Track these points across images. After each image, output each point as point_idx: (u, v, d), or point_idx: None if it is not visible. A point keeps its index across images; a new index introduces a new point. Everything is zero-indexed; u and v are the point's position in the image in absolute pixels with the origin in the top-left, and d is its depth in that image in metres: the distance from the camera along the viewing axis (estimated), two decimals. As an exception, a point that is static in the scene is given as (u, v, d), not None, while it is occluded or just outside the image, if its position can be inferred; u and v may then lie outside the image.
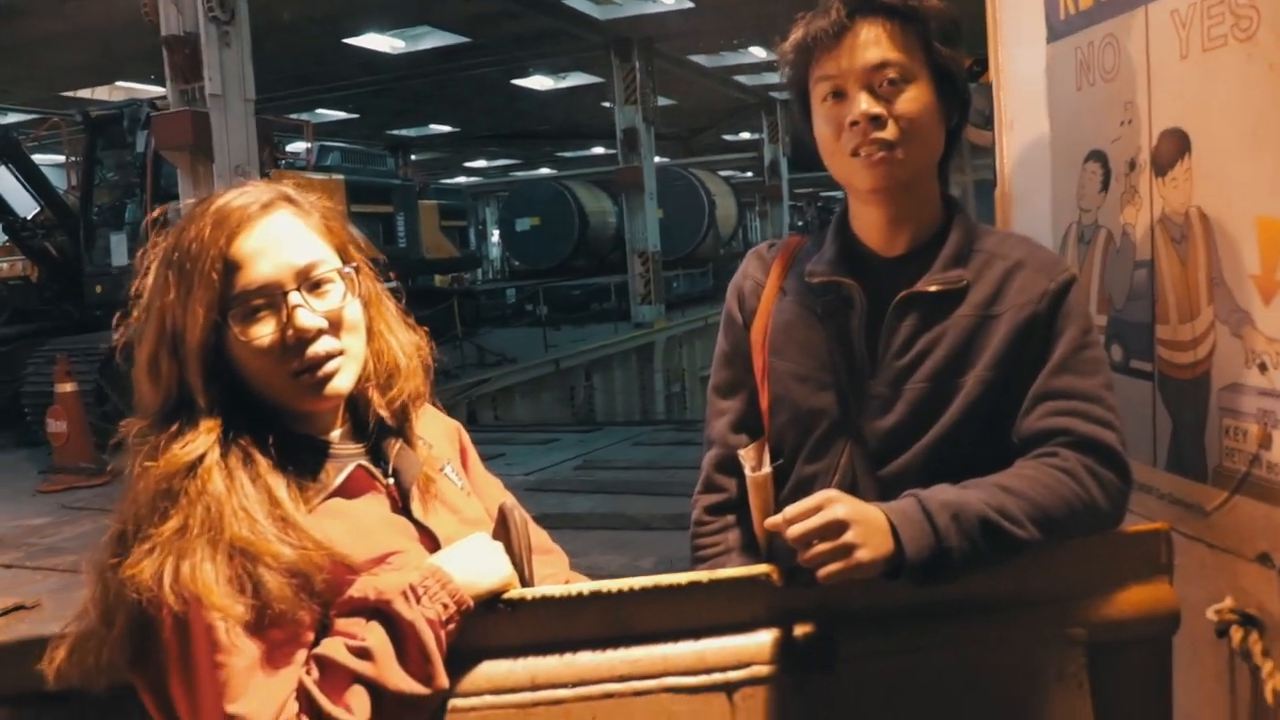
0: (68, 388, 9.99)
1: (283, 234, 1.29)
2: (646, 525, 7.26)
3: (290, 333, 1.26)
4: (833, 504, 1.31)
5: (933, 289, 1.54)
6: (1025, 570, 1.39)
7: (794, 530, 1.30)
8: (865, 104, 1.50)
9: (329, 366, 1.29)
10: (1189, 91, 1.68)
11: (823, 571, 1.29)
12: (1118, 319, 1.92)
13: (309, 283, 1.29)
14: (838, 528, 1.30)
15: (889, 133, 1.50)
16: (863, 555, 1.30)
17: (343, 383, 1.31)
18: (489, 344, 17.05)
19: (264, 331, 1.26)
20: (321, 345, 1.28)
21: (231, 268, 1.25)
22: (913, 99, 1.51)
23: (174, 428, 1.23)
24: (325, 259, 1.32)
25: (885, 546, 1.32)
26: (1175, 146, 1.72)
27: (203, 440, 1.22)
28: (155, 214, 1.46)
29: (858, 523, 1.31)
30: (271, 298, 1.27)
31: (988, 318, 1.53)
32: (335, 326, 1.30)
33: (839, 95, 1.53)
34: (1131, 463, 1.50)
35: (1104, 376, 1.52)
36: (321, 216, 1.36)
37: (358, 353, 1.34)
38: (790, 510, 1.32)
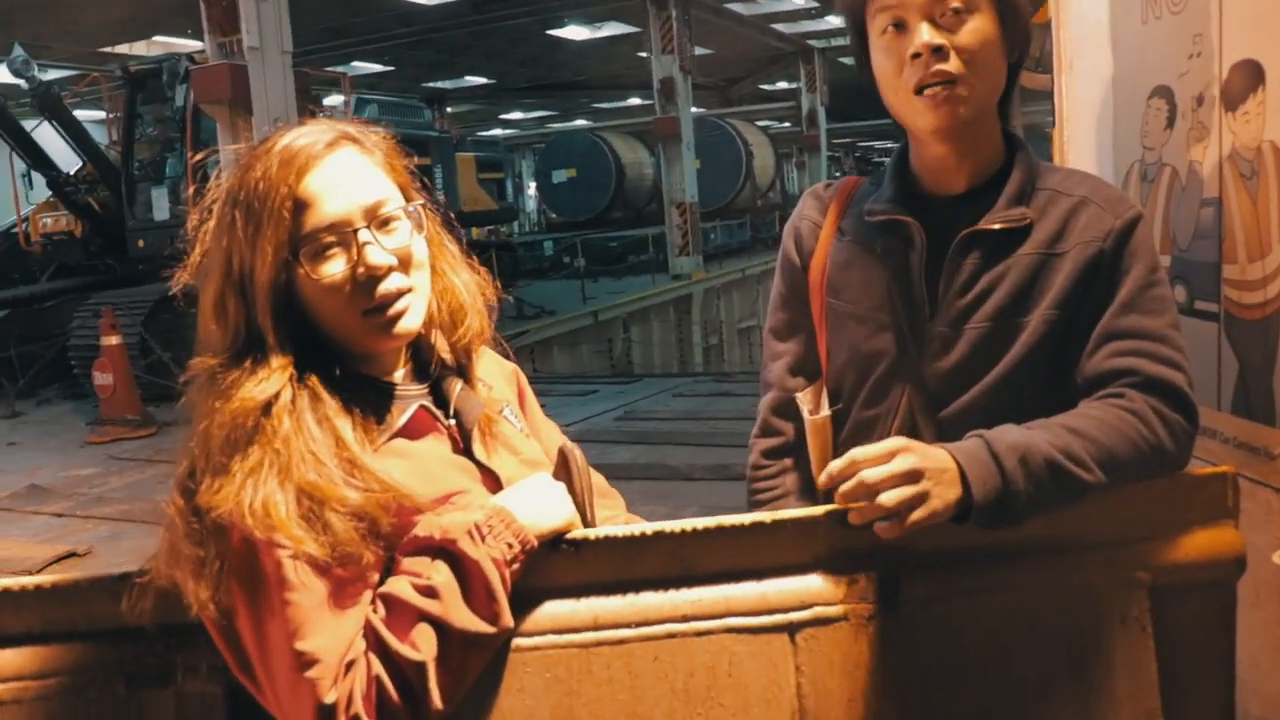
0: (113, 341, 10.11)
1: (350, 171, 1.28)
2: (688, 476, 7.28)
3: (361, 270, 1.26)
4: (905, 452, 1.29)
5: (995, 227, 1.52)
6: (1089, 513, 1.38)
7: (869, 475, 1.28)
8: (928, 34, 1.46)
9: (399, 305, 1.28)
10: (1264, 21, 1.63)
11: (896, 525, 1.28)
12: (1182, 259, 1.89)
13: (377, 220, 1.28)
14: (910, 476, 1.28)
15: (952, 65, 1.46)
16: (936, 504, 1.28)
17: (412, 321, 1.31)
18: (527, 296, 17.07)
19: (334, 269, 1.26)
20: (392, 283, 1.28)
21: (300, 206, 1.24)
22: (976, 30, 1.47)
23: (246, 365, 1.23)
24: (392, 196, 1.31)
25: (954, 492, 1.30)
26: (1248, 79, 1.67)
27: (276, 378, 1.22)
28: (196, 158, 1.45)
29: (930, 469, 1.29)
30: (341, 235, 1.26)
31: (1052, 255, 1.50)
32: (404, 264, 1.30)
33: (899, 26, 1.49)
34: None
35: (1171, 316, 1.49)
36: (385, 154, 1.35)
37: (425, 291, 1.34)
38: (860, 454, 1.30)
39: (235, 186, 1.27)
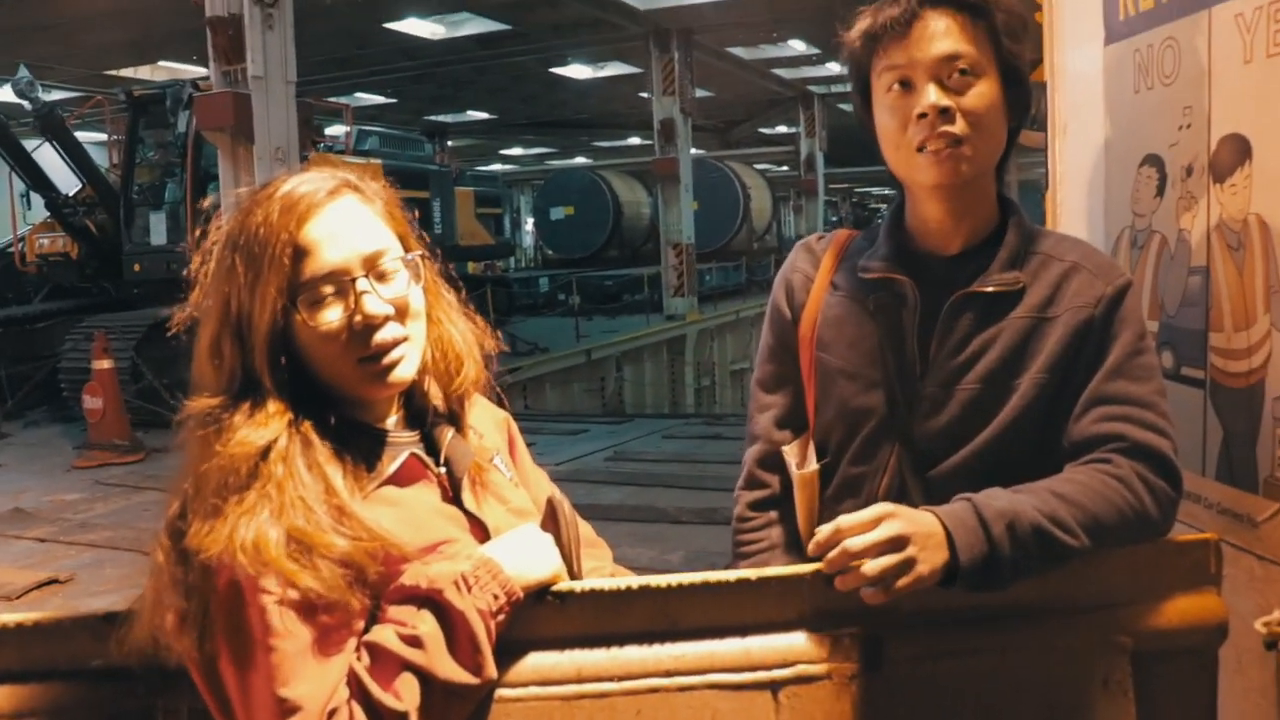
0: (105, 365, 10.10)
1: (349, 220, 1.30)
2: (676, 519, 7.28)
3: (358, 319, 1.27)
4: (891, 518, 1.30)
5: (989, 289, 1.53)
6: (1073, 577, 1.39)
7: (853, 545, 1.28)
8: (935, 96, 1.48)
9: (394, 354, 1.30)
10: (1251, 97, 1.66)
11: (881, 591, 1.28)
12: (1170, 325, 1.91)
13: (376, 270, 1.30)
14: (895, 544, 1.28)
15: (957, 127, 1.48)
16: (922, 569, 1.29)
17: (407, 370, 1.32)
18: (521, 332, 17.10)
19: (331, 317, 1.27)
20: (388, 332, 1.29)
21: (300, 253, 1.26)
22: (981, 94, 1.49)
23: (244, 409, 1.24)
24: (391, 246, 1.33)
25: (941, 556, 1.31)
26: (1236, 152, 1.70)
27: (274, 424, 1.22)
28: (205, 203, 1.47)
29: (916, 535, 1.29)
30: (339, 284, 1.27)
31: (1043, 320, 1.52)
32: (400, 313, 1.31)
33: (906, 86, 1.51)
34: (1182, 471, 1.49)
35: (1157, 383, 1.50)
36: (384, 204, 1.36)
37: (420, 340, 1.35)
38: (845, 522, 1.30)
39: (235, 230, 1.28)
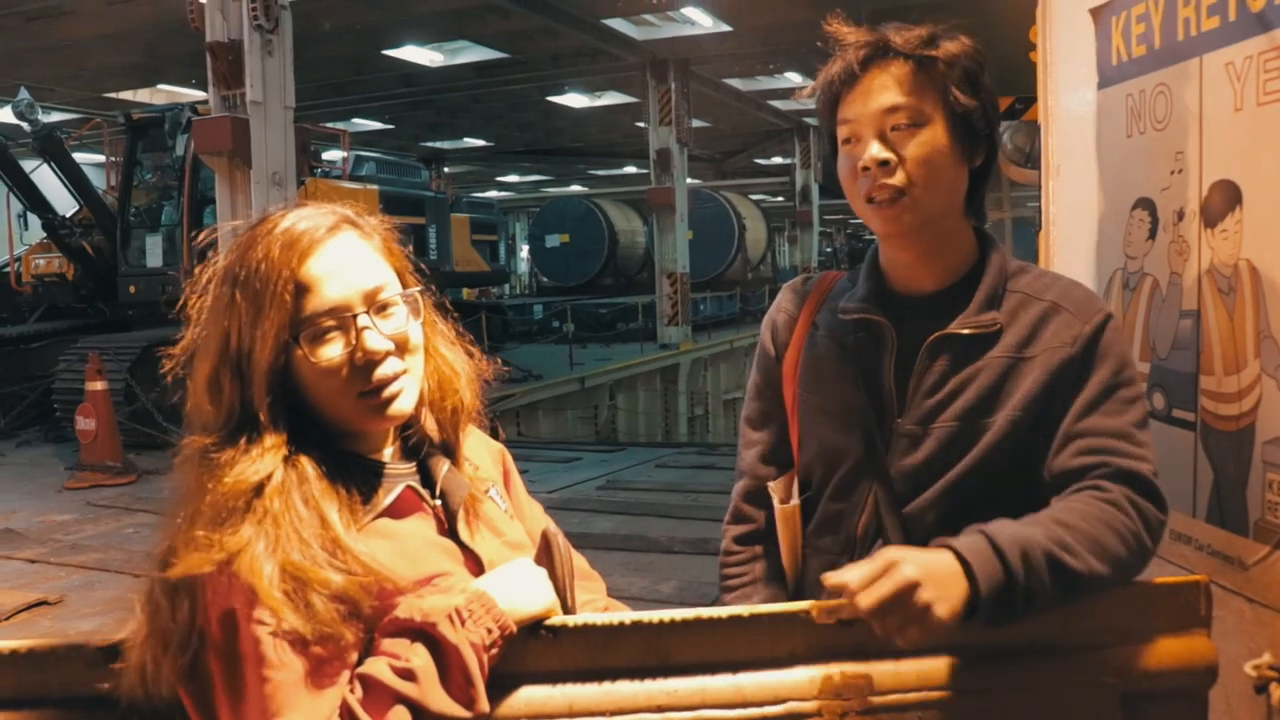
0: (98, 386, 10.08)
1: (349, 257, 1.31)
2: (668, 549, 7.25)
3: (359, 355, 1.28)
4: (899, 566, 1.27)
5: (965, 332, 1.55)
6: (1062, 617, 1.39)
7: (864, 601, 1.26)
8: (875, 149, 1.52)
9: (393, 388, 1.31)
10: (1242, 144, 1.68)
11: (902, 640, 1.27)
12: (1161, 367, 1.92)
13: (376, 305, 1.31)
14: (909, 591, 1.26)
15: (897, 179, 1.51)
16: (941, 611, 1.27)
17: (406, 403, 1.33)
18: (514, 359, 17.10)
19: (332, 353, 1.28)
20: (388, 367, 1.30)
21: (302, 289, 1.27)
22: (923, 143, 1.51)
23: (240, 444, 1.24)
24: (390, 282, 1.34)
25: (960, 591, 1.29)
26: (1226, 198, 1.72)
27: (270, 458, 1.23)
28: (202, 237, 1.48)
29: (929, 579, 1.27)
30: (340, 319, 1.28)
31: (1020, 360, 1.54)
32: (400, 348, 1.32)
33: (855, 140, 1.55)
34: (1171, 512, 1.50)
35: (1135, 414, 1.51)
36: (382, 239, 1.38)
37: (419, 373, 1.36)
38: (854, 575, 1.28)
39: (234, 265, 1.29)
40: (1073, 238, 2.23)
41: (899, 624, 1.27)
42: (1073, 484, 1.48)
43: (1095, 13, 2.08)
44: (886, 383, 1.60)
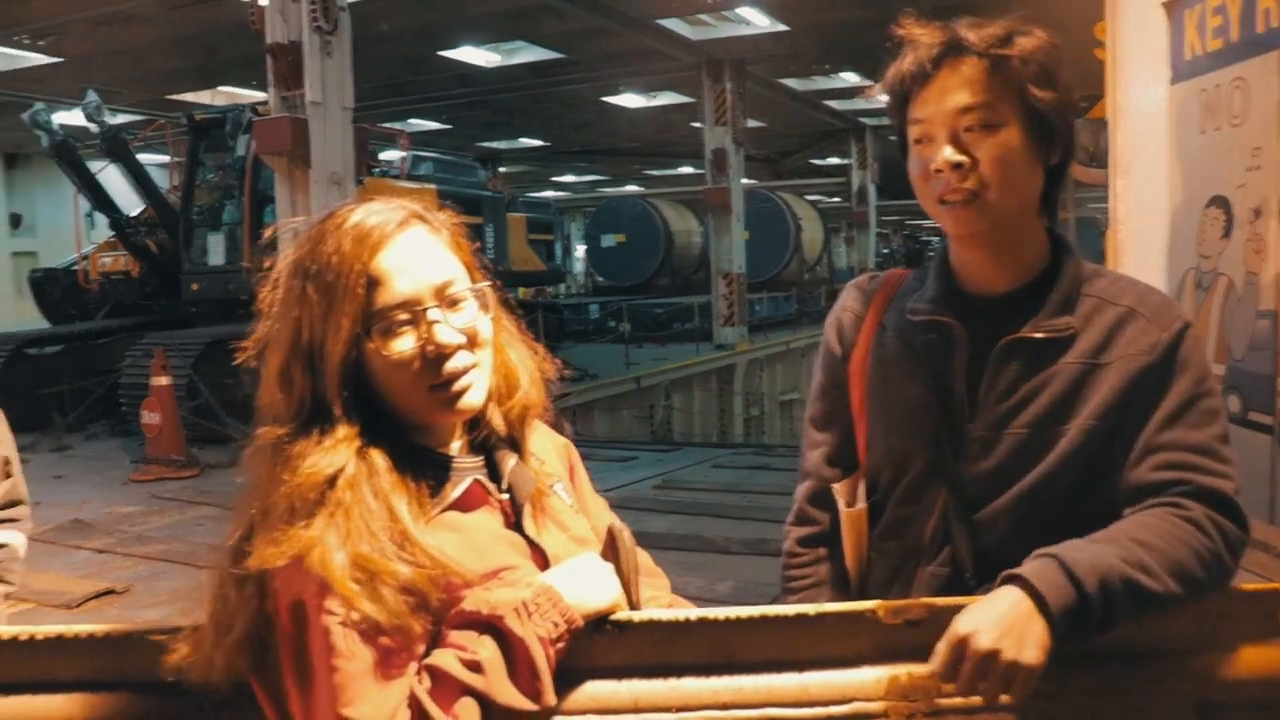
0: (163, 381, 10.27)
1: (419, 250, 1.32)
2: (724, 549, 7.24)
3: (430, 348, 1.29)
4: (970, 640, 1.26)
5: (1039, 335, 1.52)
6: (1138, 623, 1.37)
7: (958, 690, 1.27)
8: (948, 152, 1.48)
9: (464, 381, 1.31)
10: (1323, 140, 1.64)
11: (1010, 699, 1.27)
12: (1237, 369, 1.88)
13: (446, 299, 1.32)
14: (990, 660, 1.25)
15: (971, 182, 1.48)
16: (1030, 658, 1.26)
17: (476, 397, 1.34)
18: (571, 359, 17.12)
19: (404, 346, 1.28)
20: (459, 360, 1.31)
21: (373, 283, 1.28)
22: (999, 144, 1.48)
23: (313, 436, 1.26)
24: (459, 276, 1.35)
25: (1040, 631, 1.28)
26: (1307, 195, 1.68)
27: (343, 450, 1.24)
28: (267, 234, 1.50)
29: (1004, 635, 1.26)
30: (412, 313, 1.29)
31: (1095, 366, 1.50)
32: (470, 342, 1.32)
33: (927, 139, 1.52)
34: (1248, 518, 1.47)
35: (1218, 428, 1.48)
36: (450, 233, 1.38)
37: (488, 367, 1.37)
38: (937, 668, 1.28)
39: (305, 259, 1.30)
40: (1142, 237, 2.19)
41: (994, 691, 1.26)
42: (1150, 498, 1.45)
43: (1168, 7, 2.04)
44: (957, 386, 1.57)
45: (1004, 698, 1.27)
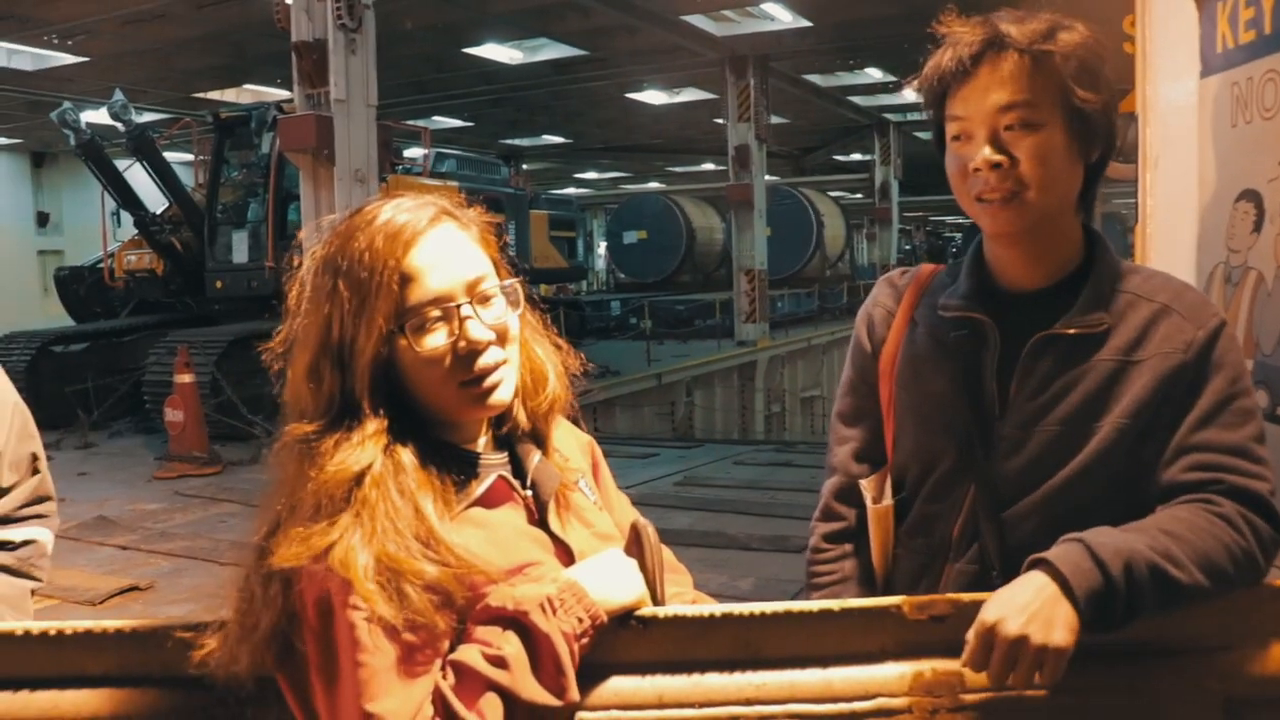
0: (186, 378, 10.34)
1: (450, 247, 1.32)
2: (745, 545, 7.24)
3: (462, 344, 1.29)
4: (998, 628, 1.26)
5: (1071, 332, 1.50)
6: (1165, 619, 1.35)
7: (990, 678, 1.27)
8: (987, 152, 1.46)
9: (494, 377, 1.32)
10: (1356, 133, 1.62)
11: (1042, 682, 1.27)
12: (1266, 364, 1.86)
13: (477, 295, 1.32)
14: (1019, 646, 1.25)
15: (1010, 181, 1.46)
16: (1058, 640, 1.25)
17: (506, 394, 1.34)
18: (592, 355, 17.08)
19: (436, 342, 1.29)
20: (490, 356, 1.31)
21: (406, 280, 1.28)
22: (1039, 143, 1.45)
23: (340, 434, 1.26)
24: (489, 272, 1.35)
25: (1066, 613, 1.27)
26: (1338, 189, 1.66)
27: (371, 447, 1.24)
28: (301, 236, 1.50)
29: (1031, 620, 1.26)
30: (444, 310, 1.29)
31: (1129, 363, 1.48)
32: (500, 338, 1.33)
33: (966, 135, 1.50)
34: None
35: (1253, 428, 1.46)
36: (480, 230, 1.38)
37: (516, 363, 1.37)
38: (966, 659, 1.28)
39: (335, 256, 1.30)
40: (1171, 231, 2.17)
41: (1027, 676, 1.26)
42: (1183, 497, 1.43)
43: (1198, -1, 2.03)
44: (988, 383, 1.56)
45: (1034, 682, 1.27)
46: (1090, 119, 1.47)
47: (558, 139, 29.59)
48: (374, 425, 1.26)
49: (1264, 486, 1.43)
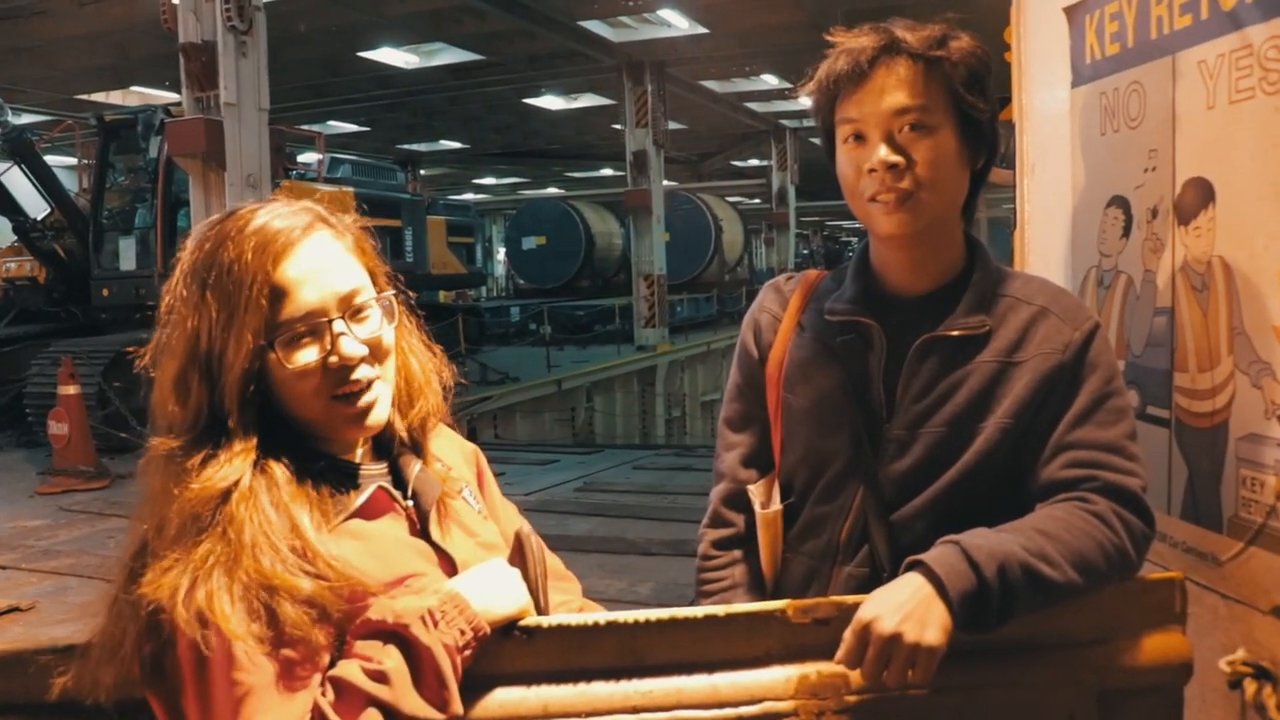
0: (71, 390, 9.99)
1: (324, 259, 1.29)
2: (645, 550, 7.25)
3: (334, 360, 1.26)
4: (872, 625, 1.29)
5: (954, 334, 1.53)
6: (1039, 615, 1.39)
7: (863, 678, 1.29)
8: (884, 152, 1.48)
9: (369, 396, 1.29)
10: (1214, 142, 1.68)
11: (914, 679, 1.28)
12: (1136, 365, 1.93)
13: (350, 309, 1.29)
14: (893, 643, 1.27)
15: (906, 182, 1.48)
16: (930, 639, 1.28)
17: (381, 412, 1.32)
18: (492, 362, 17.06)
19: (307, 357, 1.26)
20: (362, 372, 1.28)
21: (277, 293, 1.24)
22: (933, 146, 1.48)
23: (207, 450, 1.22)
24: (364, 285, 1.32)
25: (940, 614, 1.30)
26: (1199, 196, 1.72)
27: (239, 463, 1.21)
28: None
29: (906, 619, 1.28)
30: (315, 325, 1.26)
31: (1010, 364, 1.52)
32: (374, 352, 1.30)
33: (859, 138, 1.51)
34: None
35: (1126, 425, 1.51)
36: (355, 238, 1.35)
37: (391, 378, 1.35)
38: (842, 655, 1.30)
39: (203, 265, 1.25)
40: (1047, 236, 2.23)
41: (900, 673, 1.28)
42: (1060, 495, 1.47)
43: (1069, 11, 2.08)
44: (875, 385, 1.58)
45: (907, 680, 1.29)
46: (979, 126, 1.51)
47: (455, 144, 29.35)
48: (242, 442, 1.23)
49: (1136, 483, 1.47)
